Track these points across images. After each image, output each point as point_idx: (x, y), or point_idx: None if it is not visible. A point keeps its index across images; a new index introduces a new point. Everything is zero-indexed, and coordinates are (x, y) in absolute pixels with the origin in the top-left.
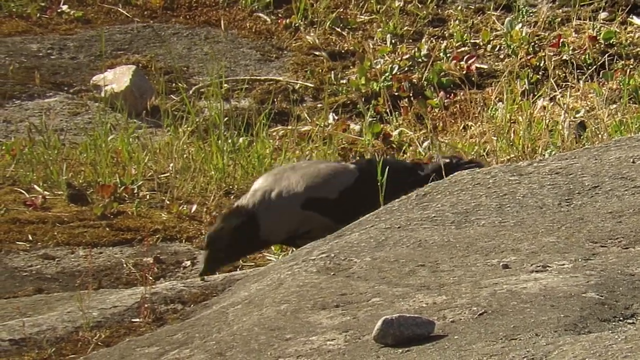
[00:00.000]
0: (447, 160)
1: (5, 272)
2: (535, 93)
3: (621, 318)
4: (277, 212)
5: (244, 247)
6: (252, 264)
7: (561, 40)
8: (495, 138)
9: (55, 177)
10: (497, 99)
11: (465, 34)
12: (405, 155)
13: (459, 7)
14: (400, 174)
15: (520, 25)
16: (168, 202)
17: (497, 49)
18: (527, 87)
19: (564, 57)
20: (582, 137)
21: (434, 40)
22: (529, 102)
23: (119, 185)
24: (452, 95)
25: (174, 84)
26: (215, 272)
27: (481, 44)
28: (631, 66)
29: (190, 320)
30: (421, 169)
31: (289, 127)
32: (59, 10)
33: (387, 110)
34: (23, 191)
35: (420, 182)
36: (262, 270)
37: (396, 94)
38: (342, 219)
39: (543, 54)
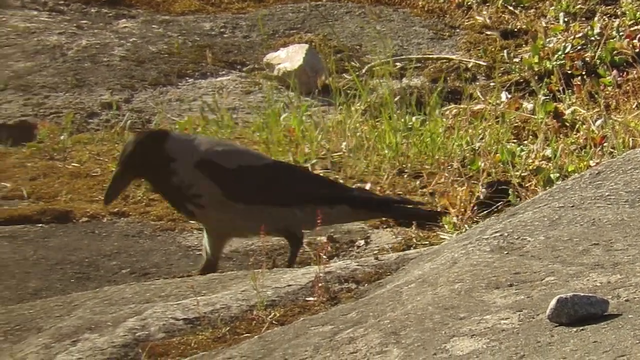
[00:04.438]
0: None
1: (180, 251)
2: None
3: None
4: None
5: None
6: (427, 242)
7: None
8: None
9: None
10: None
11: (638, 12)
12: (577, 134)
13: None
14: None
15: None
16: (342, 181)
17: None
18: None
19: None
20: None
21: (606, 19)
22: None
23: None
24: (625, 73)
25: (345, 63)
26: None
27: None
28: None
29: (364, 299)
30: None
31: (462, 106)
32: None
33: (560, 88)
34: None
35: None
36: (435, 249)
37: (569, 72)
38: (233, 195)
39: None
